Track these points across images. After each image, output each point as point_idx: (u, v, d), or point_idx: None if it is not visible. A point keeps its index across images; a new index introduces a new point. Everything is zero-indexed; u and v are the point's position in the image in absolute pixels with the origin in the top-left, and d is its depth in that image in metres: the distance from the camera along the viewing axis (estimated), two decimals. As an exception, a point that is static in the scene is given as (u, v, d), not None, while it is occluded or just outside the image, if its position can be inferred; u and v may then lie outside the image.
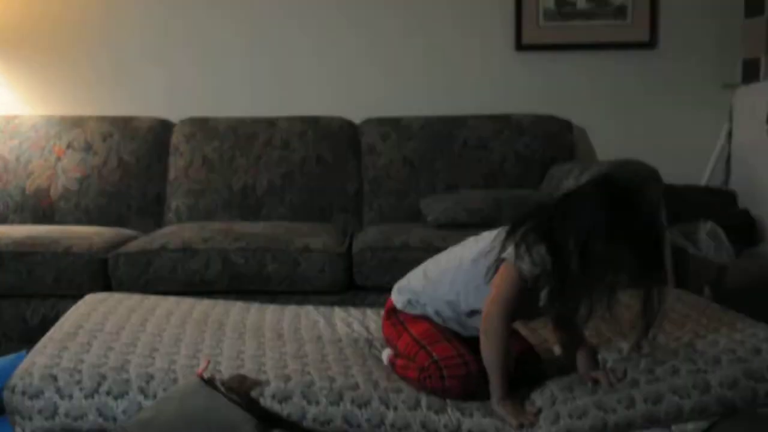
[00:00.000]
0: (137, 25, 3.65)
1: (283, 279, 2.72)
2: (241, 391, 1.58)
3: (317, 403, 1.58)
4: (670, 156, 3.47)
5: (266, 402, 1.59)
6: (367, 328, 2.01)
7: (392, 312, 1.85)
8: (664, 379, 1.66)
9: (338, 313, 2.19)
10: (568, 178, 3.01)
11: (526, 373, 1.74)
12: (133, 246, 2.77)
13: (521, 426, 1.60)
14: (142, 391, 1.60)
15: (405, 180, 3.39)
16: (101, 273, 2.72)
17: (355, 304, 2.72)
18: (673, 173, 3.31)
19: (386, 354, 1.80)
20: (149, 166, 3.41)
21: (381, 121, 3.51)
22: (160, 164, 3.43)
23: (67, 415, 1.59)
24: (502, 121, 3.49)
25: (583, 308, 1.59)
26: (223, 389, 1.55)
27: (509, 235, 1.66)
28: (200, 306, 2.18)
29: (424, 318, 1.79)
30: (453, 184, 3.38)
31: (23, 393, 1.59)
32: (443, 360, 1.64)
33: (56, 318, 2.27)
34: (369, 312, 2.22)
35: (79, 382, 1.60)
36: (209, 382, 1.55)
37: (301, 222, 3.23)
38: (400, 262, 2.73)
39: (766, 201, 3.27)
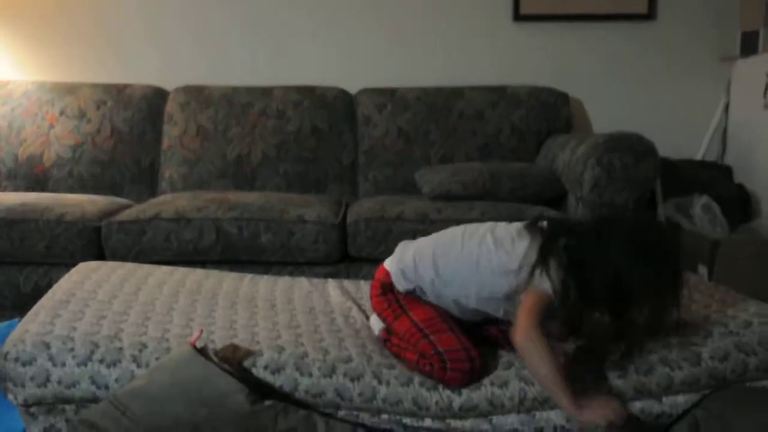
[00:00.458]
0: (131, -9, 3.61)
1: (276, 249, 2.72)
2: (233, 361, 1.58)
3: (310, 375, 1.59)
4: (667, 129, 3.46)
5: (259, 372, 1.59)
6: (360, 301, 2.00)
7: (388, 288, 1.80)
8: (656, 351, 1.68)
9: (331, 284, 2.18)
10: (564, 151, 3.00)
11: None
12: (126, 215, 2.76)
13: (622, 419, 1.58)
14: (135, 359, 1.60)
15: (400, 151, 3.37)
16: (94, 241, 2.71)
17: (349, 276, 2.73)
18: (669, 146, 3.31)
19: (377, 325, 1.79)
20: (143, 135, 3.39)
21: (377, 92, 3.49)
22: (154, 133, 3.41)
23: (59, 382, 1.59)
24: (499, 92, 3.47)
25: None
26: (215, 359, 1.55)
27: (541, 262, 1.61)
28: (193, 276, 2.17)
29: (426, 302, 1.75)
30: (448, 155, 3.37)
31: (16, 360, 1.59)
32: (448, 353, 1.61)
33: (49, 286, 2.27)
34: (363, 284, 2.21)
35: (72, 350, 1.60)
36: (202, 352, 1.55)
37: (295, 192, 3.22)
38: (395, 233, 2.74)
39: (761, 176, 3.27)
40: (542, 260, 1.60)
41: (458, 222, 2.73)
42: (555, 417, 1.62)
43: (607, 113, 3.61)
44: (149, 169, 3.38)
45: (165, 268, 2.25)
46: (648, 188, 2.75)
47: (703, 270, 2.76)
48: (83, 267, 2.19)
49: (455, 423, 1.62)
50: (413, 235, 2.72)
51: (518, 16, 3.60)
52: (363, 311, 1.93)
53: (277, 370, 1.59)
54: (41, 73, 3.59)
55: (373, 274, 2.68)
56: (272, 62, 3.64)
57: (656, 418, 1.66)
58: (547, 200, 2.94)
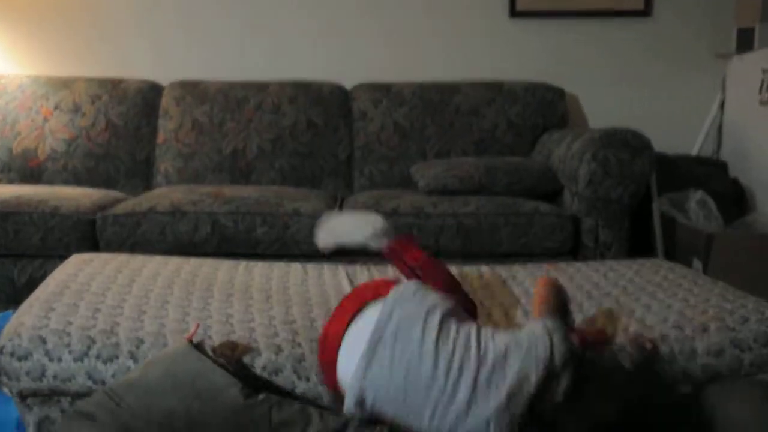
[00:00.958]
0: (126, -15, 3.60)
1: (272, 242, 2.72)
2: (232, 359, 1.57)
3: (307, 379, 1.57)
4: (663, 125, 3.47)
5: (257, 373, 1.58)
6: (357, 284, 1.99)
7: None
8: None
9: (327, 270, 2.18)
10: (559, 146, 3.00)
11: None
12: (121, 207, 2.75)
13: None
14: (132, 355, 1.59)
15: (396, 146, 3.37)
16: (89, 234, 2.71)
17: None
18: (664, 142, 3.32)
19: None
20: (138, 129, 3.38)
21: (373, 87, 3.48)
22: (149, 127, 3.40)
23: (55, 377, 1.58)
24: (495, 88, 3.47)
25: None
26: (211, 354, 1.54)
27: None
28: (187, 265, 2.16)
29: None
30: (444, 150, 3.37)
31: (11, 354, 1.58)
32: None
33: (44, 278, 2.25)
34: (358, 268, 2.21)
35: (68, 345, 1.59)
36: (198, 347, 1.54)
37: (290, 187, 3.21)
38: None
39: (756, 171, 3.28)
40: None
41: (454, 216, 2.74)
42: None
43: (603, 109, 3.62)
44: (144, 163, 3.37)
45: (158, 258, 2.24)
46: (643, 183, 2.75)
47: (697, 265, 2.76)
48: (75, 259, 2.18)
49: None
50: (409, 229, 2.73)
51: (515, 12, 3.61)
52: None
53: (275, 372, 1.58)
54: (36, 67, 3.58)
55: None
56: (268, 57, 3.63)
57: None
58: (543, 195, 2.94)
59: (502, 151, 3.38)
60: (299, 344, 1.64)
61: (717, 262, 2.69)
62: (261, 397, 1.46)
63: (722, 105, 3.58)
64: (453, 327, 1.43)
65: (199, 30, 3.62)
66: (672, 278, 2.11)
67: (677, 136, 3.57)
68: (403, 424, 1.41)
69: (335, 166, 3.39)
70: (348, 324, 1.49)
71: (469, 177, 2.92)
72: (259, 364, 1.58)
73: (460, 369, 1.37)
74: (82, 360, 1.57)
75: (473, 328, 1.45)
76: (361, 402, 1.41)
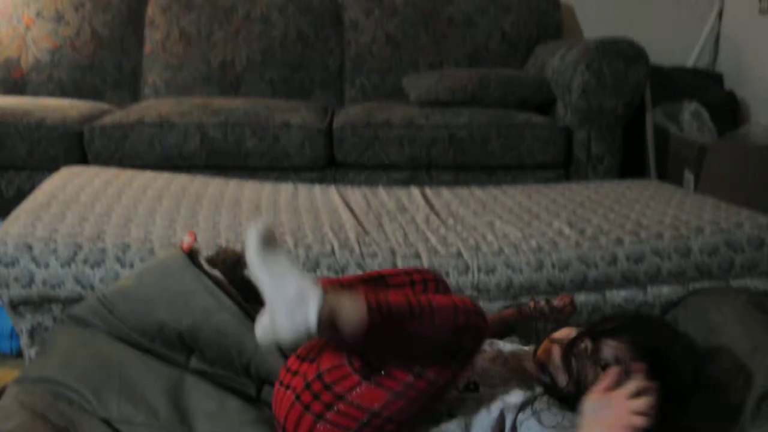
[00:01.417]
0: None
1: (262, 155, 2.69)
2: (218, 261, 1.57)
3: (295, 271, 1.59)
4: (658, 36, 3.40)
5: (244, 271, 1.59)
6: (347, 202, 1.99)
7: None
8: (648, 241, 1.72)
9: (318, 188, 2.17)
10: (553, 57, 2.95)
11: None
12: (108, 119, 2.71)
13: None
14: (118, 260, 1.59)
15: (388, 57, 3.31)
16: (77, 146, 2.68)
17: (335, 181, 2.71)
18: (660, 53, 3.26)
19: None
20: (123, 39, 3.30)
21: (364, -5, 3.40)
22: (136, 37, 3.32)
23: (44, 283, 1.59)
24: (489, -3, 3.38)
25: None
26: (206, 266, 1.54)
27: None
28: (178, 180, 2.15)
29: None
30: (437, 62, 3.31)
31: (-1, 261, 1.58)
32: None
33: (32, 190, 2.24)
34: (350, 188, 2.20)
35: (54, 251, 1.59)
36: (192, 258, 1.54)
37: (280, 99, 3.17)
38: (382, 139, 2.71)
39: (752, 83, 3.24)
40: None
41: (446, 127, 2.72)
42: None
43: (598, 19, 3.53)
44: (131, 75, 3.30)
45: (149, 173, 2.23)
46: (637, 94, 2.72)
47: (689, 176, 2.76)
48: (65, 171, 2.17)
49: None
50: (401, 142, 2.71)
51: None
52: (349, 208, 1.92)
53: (262, 268, 1.58)
54: (16, -26, 3.47)
55: (359, 180, 2.71)
56: (256, -36, 3.52)
57: (638, 307, 1.71)
58: (536, 106, 2.91)
59: (495, 63, 3.32)
60: (285, 241, 1.64)
61: (709, 174, 2.68)
62: (251, 326, 1.46)
63: (720, 14, 3.51)
64: None
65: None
66: (666, 194, 2.15)
67: (673, 47, 3.51)
68: None
69: (326, 77, 3.33)
70: None
71: (462, 88, 2.88)
72: (245, 262, 1.58)
73: None
74: (69, 265, 1.57)
75: None
76: None
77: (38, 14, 3.27)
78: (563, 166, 2.81)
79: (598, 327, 1.35)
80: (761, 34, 3.18)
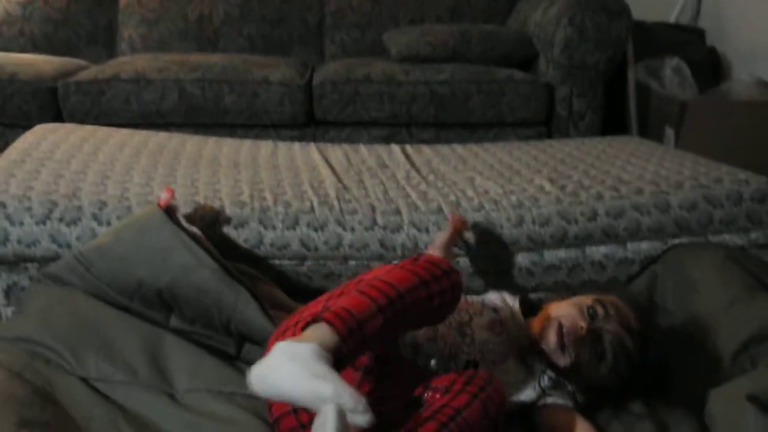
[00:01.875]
0: None
1: (241, 111, 2.66)
2: (196, 218, 1.56)
3: (273, 228, 1.58)
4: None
5: (222, 228, 1.58)
6: (327, 159, 1.97)
7: None
8: (628, 196, 1.73)
9: (298, 145, 2.15)
10: (536, 11, 2.92)
11: None
12: (83, 75, 2.66)
13: None
14: (95, 217, 1.57)
15: (368, 12, 3.26)
16: (51, 103, 2.63)
17: (315, 139, 2.69)
18: (642, 8, 3.23)
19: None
20: (98, -8, 3.23)
21: (343, -52, 3.33)
22: (110, -10, 3.24)
23: (19, 241, 1.56)
24: (470, -50, 3.33)
25: None
26: (183, 222, 1.52)
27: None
28: (156, 138, 2.12)
29: None
30: (418, 17, 3.27)
31: (-28, 219, 1.55)
32: None
33: (5, 148, 2.19)
34: (330, 145, 2.18)
35: (29, 209, 1.56)
36: (170, 215, 1.52)
37: (259, 55, 3.12)
38: (362, 95, 2.69)
39: (733, 39, 3.23)
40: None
41: (426, 84, 2.70)
42: (521, 260, 1.64)
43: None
44: (107, 30, 3.23)
45: (126, 131, 2.19)
46: (619, 49, 2.71)
47: (670, 133, 2.76)
48: (40, 129, 2.12)
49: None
50: (380, 98, 2.68)
51: None
52: (329, 165, 1.90)
53: (241, 224, 1.57)
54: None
55: (340, 138, 2.69)
56: None
57: (618, 264, 1.71)
58: (518, 62, 2.89)
59: (477, 18, 3.28)
60: (264, 198, 1.63)
61: (690, 130, 2.69)
62: (231, 282, 1.45)
63: (704, -31, 3.49)
64: None
65: None
66: (646, 150, 2.15)
67: (656, 2, 3.48)
68: None
69: (305, 33, 3.28)
70: None
71: (443, 44, 2.84)
72: (224, 219, 1.57)
73: None
74: (44, 223, 1.55)
75: None
76: None
77: (9, -34, 3.18)
78: (545, 123, 2.80)
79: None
80: (744, -11, 3.17)
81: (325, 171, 1.85)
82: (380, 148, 2.13)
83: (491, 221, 1.66)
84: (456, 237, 1.59)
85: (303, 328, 1.07)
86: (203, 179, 1.74)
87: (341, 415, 0.94)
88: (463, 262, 1.64)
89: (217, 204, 1.60)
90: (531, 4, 3.08)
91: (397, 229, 1.61)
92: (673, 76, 2.91)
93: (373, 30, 3.25)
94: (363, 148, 2.12)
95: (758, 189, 1.77)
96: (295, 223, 1.59)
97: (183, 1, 3.21)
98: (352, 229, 1.60)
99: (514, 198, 1.72)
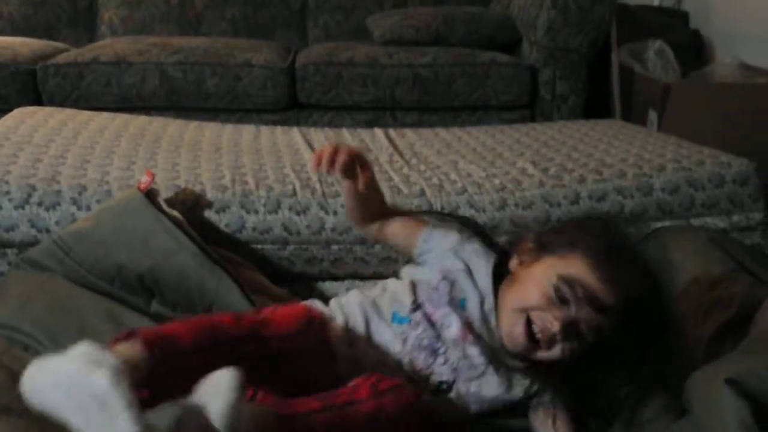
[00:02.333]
0: None
1: (223, 95, 2.64)
2: (176, 202, 1.54)
3: (255, 212, 1.57)
4: (625, -27, 3.37)
5: (203, 213, 1.56)
6: (310, 143, 1.96)
7: None
8: (611, 179, 1.73)
9: (281, 129, 2.14)
10: (519, -6, 2.91)
11: None
12: (63, 57, 2.64)
13: None
14: (74, 202, 1.55)
15: (352, -6, 3.24)
16: (30, 86, 2.60)
17: (298, 123, 2.67)
18: (626, -9, 3.24)
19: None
20: (78, -26, 3.19)
21: (326, -70, 3.31)
22: (90, -29, 3.21)
23: (-3, 226, 1.54)
24: (454, -68, 3.31)
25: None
26: (164, 206, 1.51)
27: None
28: (136, 121, 2.10)
29: None
30: (401, 1, 3.25)
31: (-51, 204, 1.53)
32: None
33: (-16, 132, 2.18)
34: (313, 129, 2.17)
35: (7, 192, 1.54)
36: (151, 198, 1.50)
37: (242, 39, 3.09)
38: (345, 78, 2.67)
39: (717, 21, 3.23)
40: None
41: (409, 67, 2.69)
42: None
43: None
44: (87, 12, 3.20)
45: (106, 115, 2.17)
46: (603, 32, 2.70)
47: (653, 116, 2.76)
48: (18, 112, 2.10)
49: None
50: (364, 80, 2.67)
51: None
52: (312, 148, 1.89)
53: (222, 209, 1.56)
54: None
55: (323, 122, 2.67)
56: None
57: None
58: (501, 45, 2.88)
59: (460, 1, 3.27)
60: (246, 182, 1.62)
61: (673, 114, 2.69)
62: (211, 267, 1.44)
63: (687, -48, 3.49)
64: None
65: None
66: (629, 133, 2.16)
67: (640, -16, 3.49)
68: None
69: (289, 16, 3.26)
70: None
71: (426, 27, 2.83)
72: (205, 203, 1.56)
73: None
74: (23, 207, 1.53)
75: None
76: None
77: (-15, -54, 3.14)
78: (528, 107, 2.80)
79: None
80: (727, -28, 3.17)
81: (307, 155, 1.84)
82: (363, 132, 2.12)
83: (474, 204, 1.66)
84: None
85: None
86: (184, 163, 1.72)
87: None
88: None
89: (198, 188, 1.59)
90: (515, -13, 3.07)
91: (380, 211, 1.61)
92: (656, 58, 2.91)
93: (356, 13, 3.23)
94: (346, 132, 2.11)
95: (740, 171, 1.78)
96: (277, 207, 1.58)
97: (164, -17, 3.17)
98: (335, 213, 1.59)
99: (497, 181, 1.72)
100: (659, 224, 1.74)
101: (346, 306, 1.30)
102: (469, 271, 1.32)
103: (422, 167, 1.81)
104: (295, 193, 1.60)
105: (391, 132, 2.13)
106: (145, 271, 1.41)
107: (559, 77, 2.74)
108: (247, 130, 2.08)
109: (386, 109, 2.73)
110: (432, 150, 1.96)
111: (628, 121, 2.53)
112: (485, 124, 2.61)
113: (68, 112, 2.13)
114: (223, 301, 1.40)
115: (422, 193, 1.66)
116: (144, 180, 1.52)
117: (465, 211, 1.64)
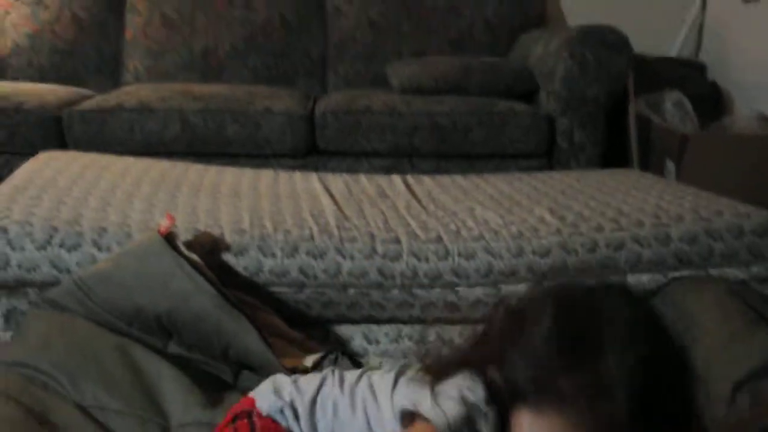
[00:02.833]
0: None
1: (243, 142, 2.68)
2: (196, 245, 1.56)
3: (273, 255, 1.58)
4: (642, 24, 3.39)
5: (222, 256, 1.58)
6: (328, 188, 1.98)
7: None
8: (628, 228, 1.72)
9: (299, 175, 2.16)
10: (537, 44, 2.95)
11: None
12: (87, 104, 2.69)
13: None
14: (95, 244, 1.57)
15: (371, 44, 3.30)
16: (56, 131, 2.65)
17: (317, 169, 2.70)
18: (643, 42, 3.26)
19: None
20: (104, 24, 3.27)
21: (347, -18, 3.38)
22: (117, 22, 3.29)
23: (19, 266, 1.56)
24: (473, -16, 3.37)
25: None
26: (184, 249, 1.52)
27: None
28: (157, 165, 2.13)
29: None
30: (420, 50, 3.30)
31: (-27, 244, 1.56)
32: None
33: (9, 175, 2.22)
34: (331, 175, 2.19)
35: (30, 234, 1.57)
36: (170, 241, 1.52)
37: (263, 86, 3.15)
38: (363, 125, 2.71)
39: (735, 73, 3.25)
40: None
41: (428, 115, 2.72)
42: (521, 290, 1.64)
43: (582, 7, 3.53)
44: (113, 61, 3.27)
45: (128, 159, 2.21)
46: (620, 83, 2.73)
47: (671, 166, 2.77)
48: (43, 156, 2.14)
49: (421, 293, 1.63)
50: (382, 129, 2.70)
51: None
52: (330, 194, 1.91)
53: (240, 252, 1.58)
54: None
55: (342, 168, 2.70)
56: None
57: None
58: (519, 95, 2.91)
59: (479, 51, 3.31)
60: (264, 225, 1.63)
61: (691, 164, 2.69)
62: (229, 310, 1.45)
63: (704, 3, 3.52)
64: None
65: None
66: (647, 182, 2.16)
67: (656, 36, 3.51)
68: None
69: (309, 65, 3.31)
70: None
71: (444, 76, 2.87)
72: (223, 246, 1.58)
73: None
74: (45, 248, 1.55)
75: None
76: None
77: (16, -2, 3.23)
78: (546, 155, 2.81)
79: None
80: (745, 23, 3.19)
81: (325, 200, 1.86)
82: (381, 178, 2.14)
83: (491, 251, 1.66)
84: None
85: None
86: (204, 207, 1.74)
87: None
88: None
89: (217, 231, 1.61)
90: (532, 38, 3.12)
91: (397, 257, 1.61)
92: (674, 109, 2.93)
93: (375, 62, 3.28)
94: (364, 178, 2.13)
95: (760, 223, 1.77)
96: (294, 251, 1.59)
97: (188, 33, 3.25)
98: (352, 257, 1.60)
99: (514, 228, 1.72)
100: (677, 274, 1.73)
101: None
102: None
103: (440, 213, 1.82)
104: (312, 238, 1.62)
105: (409, 178, 2.15)
106: (164, 312, 1.42)
107: (577, 126, 2.75)
108: (266, 175, 2.11)
109: (404, 156, 2.76)
110: (449, 196, 1.97)
111: (645, 171, 2.53)
112: (503, 172, 2.63)
113: (91, 156, 2.17)
114: (240, 343, 1.40)
115: (439, 239, 1.66)
116: (164, 223, 1.54)
117: (482, 258, 1.65)
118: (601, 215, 1.80)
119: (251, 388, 1.13)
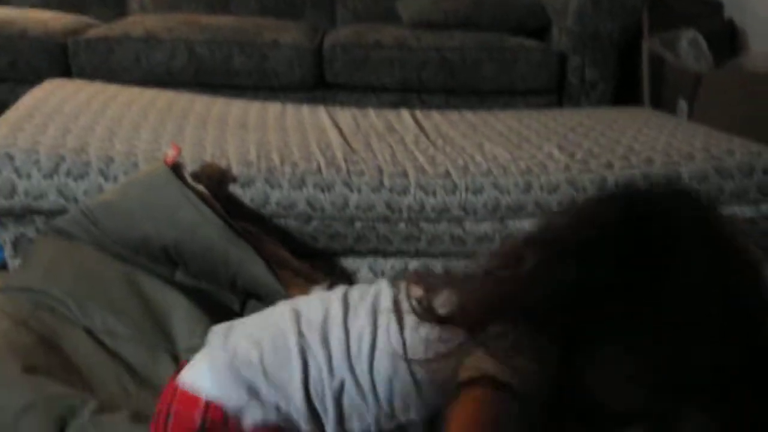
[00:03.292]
0: None
1: (250, 73, 2.65)
2: (203, 176, 1.56)
3: (280, 187, 1.58)
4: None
5: (228, 187, 1.57)
6: (336, 122, 1.96)
7: None
8: (638, 166, 1.72)
9: (307, 108, 2.14)
10: (551, -21, 2.88)
11: None
12: (93, 33, 2.66)
13: None
14: (102, 173, 1.57)
15: (381, -24, 3.22)
16: (61, 59, 2.62)
17: (325, 102, 2.67)
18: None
19: None
20: (109, -50, 3.20)
21: None
22: (122, -52, 3.22)
23: (26, 194, 1.56)
24: None
25: None
26: (190, 180, 1.52)
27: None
28: (164, 96, 2.12)
29: None
30: (431, -18, 3.22)
31: (-21, 171, 1.55)
32: None
33: (14, 103, 2.20)
34: (339, 108, 2.17)
35: (36, 162, 1.56)
36: (177, 172, 1.52)
37: (270, 18, 3.09)
38: (372, 60, 2.67)
39: (752, 10, 3.18)
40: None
41: (437, 50, 2.68)
42: (527, 226, 1.64)
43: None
44: (117, -12, 3.21)
45: (135, 89, 2.19)
46: (634, 18, 2.67)
47: (683, 106, 2.73)
48: (48, 84, 2.12)
49: (428, 226, 1.63)
50: (391, 63, 2.66)
51: None
52: (338, 127, 1.90)
53: (247, 183, 1.57)
54: None
55: (350, 102, 2.67)
56: None
57: None
58: (531, 31, 2.86)
59: (491, -15, 3.24)
60: (271, 158, 1.62)
61: (704, 103, 2.65)
62: (236, 241, 1.45)
63: (723, -61, 3.43)
64: None
65: None
66: (658, 121, 2.14)
67: (673, -28, 3.43)
68: None
69: (317, -4, 3.25)
70: None
71: (455, 10, 2.82)
72: (229, 178, 1.57)
73: None
74: (51, 177, 1.55)
75: None
76: None
77: None
78: (556, 92, 2.77)
79: None
80: (763, -40, 3.11)
81: (333, 133, 1.84)
82: (389, 113, 2.12)
83: (499, 186, 1.65)
84: None
85: None
86: (211, 138, 1.73)
87: None
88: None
89: (223, 163, 1.60)
90: (546, -28, 3.04)
91: (404, 191, 1.61)
92: (689, 48, 2.87)
93: (385, -6, 3.21)
94: (372, 112, 2.11)
95: (770, 161, 1.76)
96: (301, 183, 1.58)
97: (194, -38, 3.18)
98: (359, 190, 1.59)
99: (522, 164, 1.71)
100: (686, 212, 1.72)
101: None
102: None
103: (448, 148, 1.80)
104: (320, 170, 1.61)
105: (418, 113, 2.12)
106: (170, 242, 1.43)
107: (589, 63, 2.71)
108: (274, 108, 2.09)
109: (413, 92, 2.73)
110: (458, 132, 1.96)
111: (657, 110, 2.50)
112: (512, 109, 2.60)
113: (97, 86, 2.15)
114: (247, 273, 1.41)
115: (447, 173, 1.65)
116: (170, 153, 1.53)
117: (489, 193, 1.64)
118: (610, 152, 1.79)
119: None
